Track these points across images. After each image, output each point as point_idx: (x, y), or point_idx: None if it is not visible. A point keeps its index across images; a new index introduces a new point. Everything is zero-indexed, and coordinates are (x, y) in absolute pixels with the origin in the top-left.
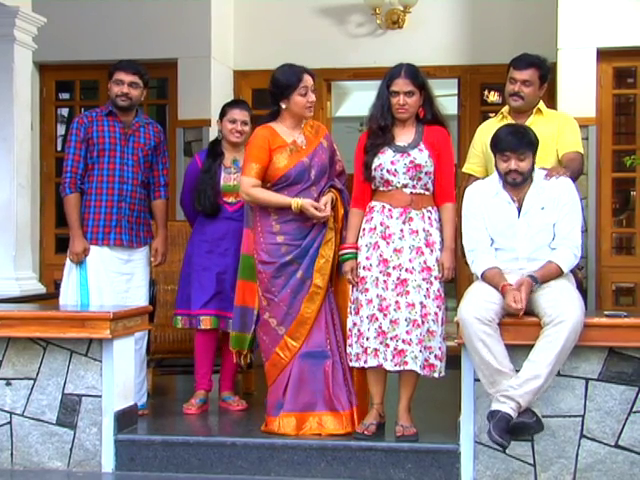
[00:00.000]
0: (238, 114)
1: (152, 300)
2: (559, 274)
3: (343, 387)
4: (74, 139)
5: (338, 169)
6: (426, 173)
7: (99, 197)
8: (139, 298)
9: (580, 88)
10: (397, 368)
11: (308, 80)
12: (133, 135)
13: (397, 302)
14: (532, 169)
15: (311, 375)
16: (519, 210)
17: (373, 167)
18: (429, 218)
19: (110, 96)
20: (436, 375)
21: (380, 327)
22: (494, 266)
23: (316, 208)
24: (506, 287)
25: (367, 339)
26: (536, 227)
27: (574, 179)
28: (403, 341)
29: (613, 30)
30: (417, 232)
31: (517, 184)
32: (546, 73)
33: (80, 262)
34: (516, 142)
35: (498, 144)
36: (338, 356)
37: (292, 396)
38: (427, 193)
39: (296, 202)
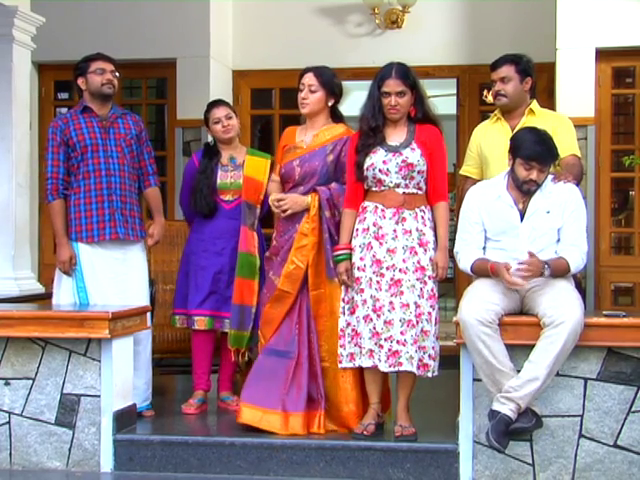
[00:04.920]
0: (219, 112)
1: (151, 300)
2: (566, 272)
3: (303, 389)
4: (51, 144)
5: None
6: (419, 172)
7: (88, 194)
8: (139, 298)
9: (579, 88)
10: (392, 369)
11: (305, 77)
12: (112, 127)
13: (391, 302)
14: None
15: (271, 372)
16: (521, 213)
17: (365, 167)
18: (422, 217)
19: (90, 88)
20: (429, 375)
21: (374, 328)
22: (481, 257)
23: (279, 200)
24: (494, 266)
25: (362, 339)
26: (540, 230)
27: (577, 184)
28: (397, 342)
29: (612, 30)
30: (410, 232)
31: (531, 193)
32: (525, 67)
33: (67, 272)
34: (544, 154)
35: (522, 150)
36: (307, 359)
37: (251, 387)
38: (420, 192)
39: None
